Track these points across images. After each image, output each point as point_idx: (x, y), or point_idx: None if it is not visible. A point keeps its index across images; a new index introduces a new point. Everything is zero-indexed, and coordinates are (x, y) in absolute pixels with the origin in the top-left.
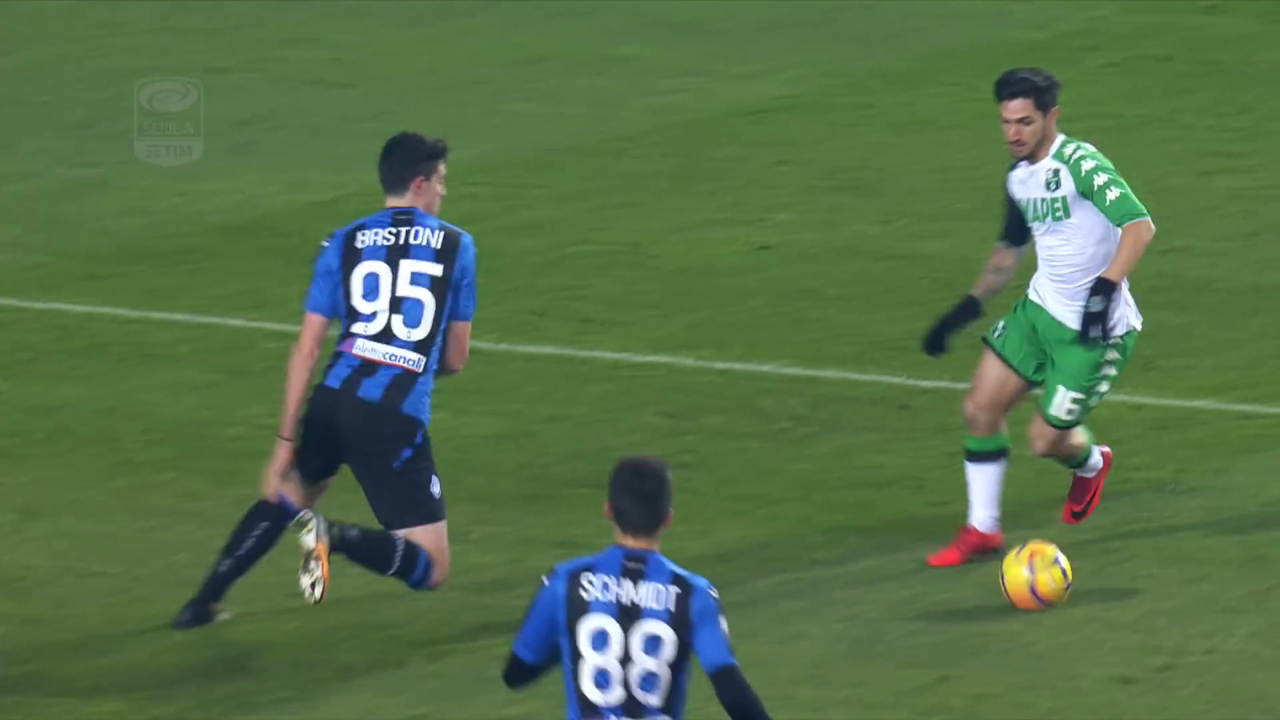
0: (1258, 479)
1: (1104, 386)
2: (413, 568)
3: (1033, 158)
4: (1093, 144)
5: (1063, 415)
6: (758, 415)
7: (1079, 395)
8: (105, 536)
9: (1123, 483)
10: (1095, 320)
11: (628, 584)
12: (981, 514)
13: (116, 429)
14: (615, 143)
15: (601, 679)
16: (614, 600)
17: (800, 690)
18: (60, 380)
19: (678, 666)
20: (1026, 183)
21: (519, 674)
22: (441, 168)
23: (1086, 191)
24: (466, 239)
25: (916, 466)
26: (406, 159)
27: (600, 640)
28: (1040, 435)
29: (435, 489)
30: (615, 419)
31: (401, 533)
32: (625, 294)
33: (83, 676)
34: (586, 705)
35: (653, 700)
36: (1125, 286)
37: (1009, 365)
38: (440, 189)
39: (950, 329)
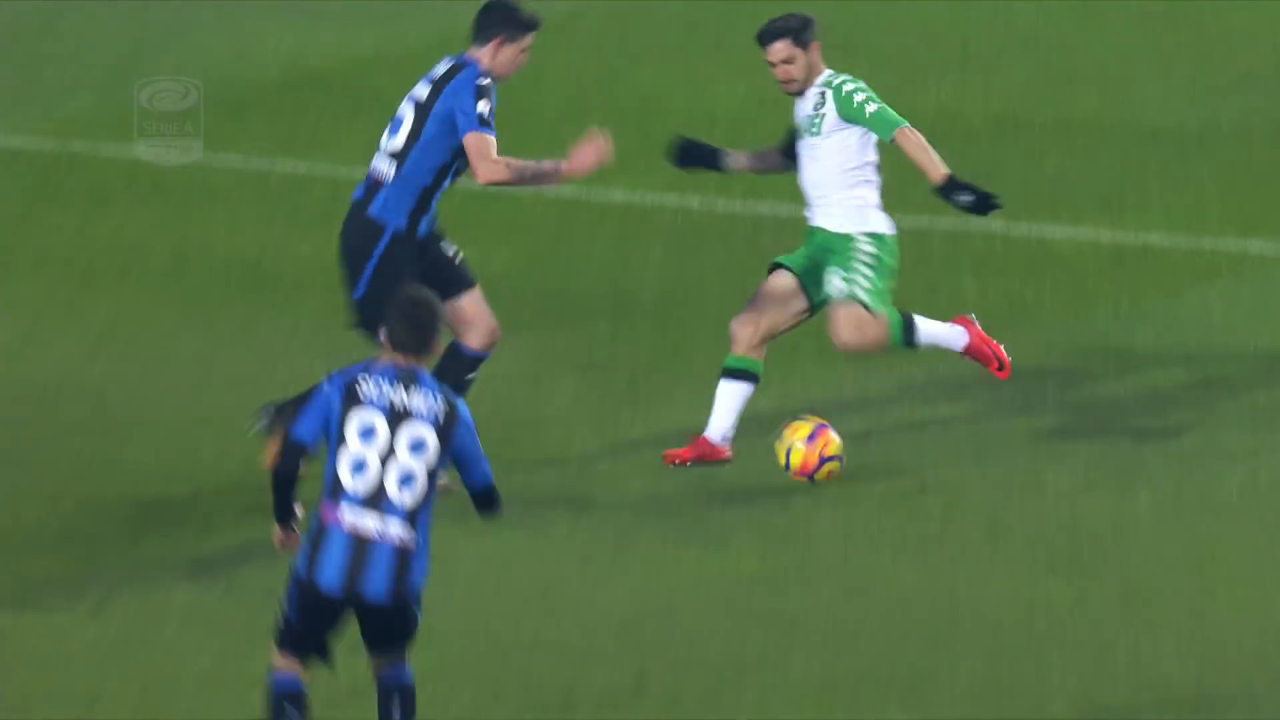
0: (1204, 306)
1: (866, 270)
2: None
3: (803, 92)
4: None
5: (834, 291)
6: (756, 251)
7: (842, 272)
8: (173, 357)
9: (1084, 310)
10: (978, 208)
11: (400, 389)
12: (719, 426)
13: (182, 263)
14: (624, 2)
15: (358, 467)
16: (387, 401)
17: (793, 497)
18: (131, 218)
19: (434, 472)
20: (798, 110)
21: (292, 453)
22: (527, 39)
23: (847, 113)
24: (470, 70)
25: (899, 298)
26: (497, 17)
27: (368, 434)
28: (834, 322)
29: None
30: (628, 255)
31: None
32: (637, 141)
33: (155, 477)
34: (336, 488)
35: (405, 499)
36: (878, 195)
37: (798, 280)
38: (519, 59)
39: (693, 159)
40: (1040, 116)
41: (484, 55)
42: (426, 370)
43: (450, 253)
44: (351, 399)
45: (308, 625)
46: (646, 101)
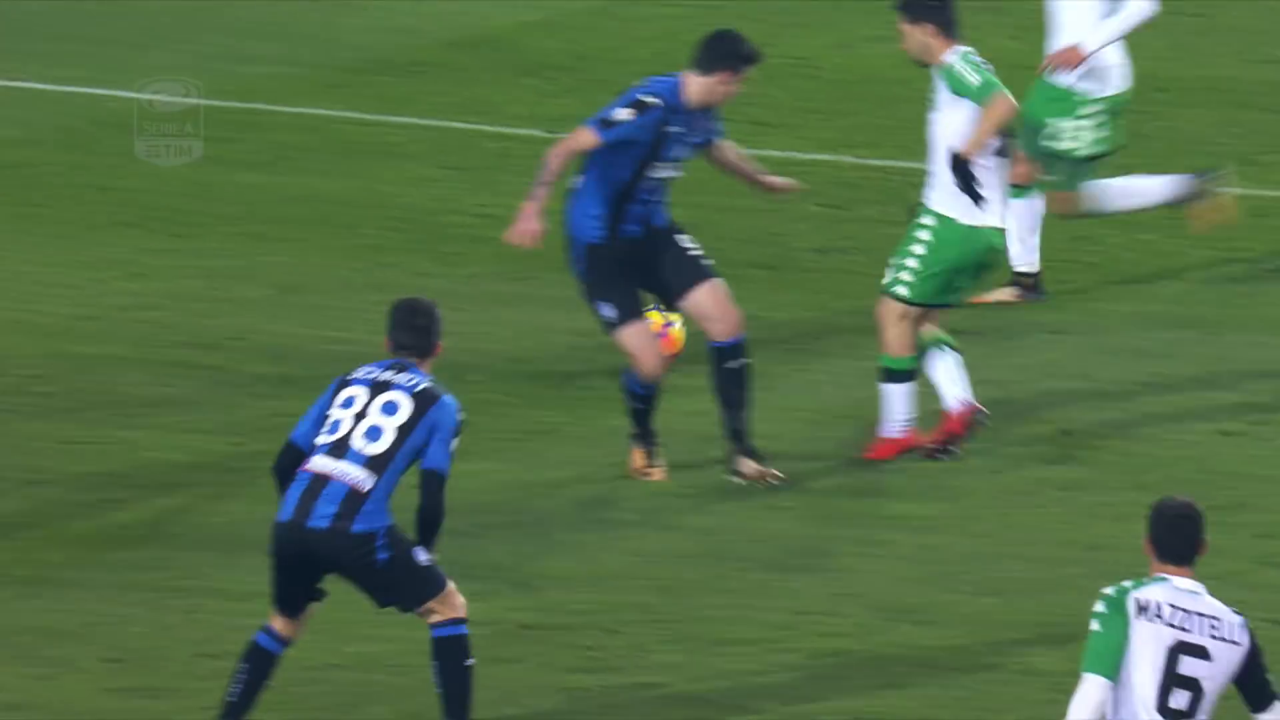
0: None
1: (911, 261)
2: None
3: (927, 66)
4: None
5: (884, 281)
6: (905, 205)
7: (892, 262)
8: (348, 309)
9: (1225, 264)
10: (962, 191)
11: (390, 372)
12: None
13: (357, 216)
14: None
15: (333, 427)
16: (372, 378)
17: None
18: (310, 174)
19: (405, 430)
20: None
21: (287, 452)
22: (748, 71)
23: (954, 86)
24: (644, 83)
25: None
26: (728, 50)
27: (348, 402)
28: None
29: (604, 311)
30: (784, 209)
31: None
32: (794, 100)
33: None
34: (313, 448)
35: (367, 449)
36: (987, 183)
37: None
38: (736, 89)
39: None
40: (1181, 76)
41: (700, 83)
42: (425, 370)
43: (686, 246)
44: (342, 384)
45: (275, 564)
46: (800, 62)
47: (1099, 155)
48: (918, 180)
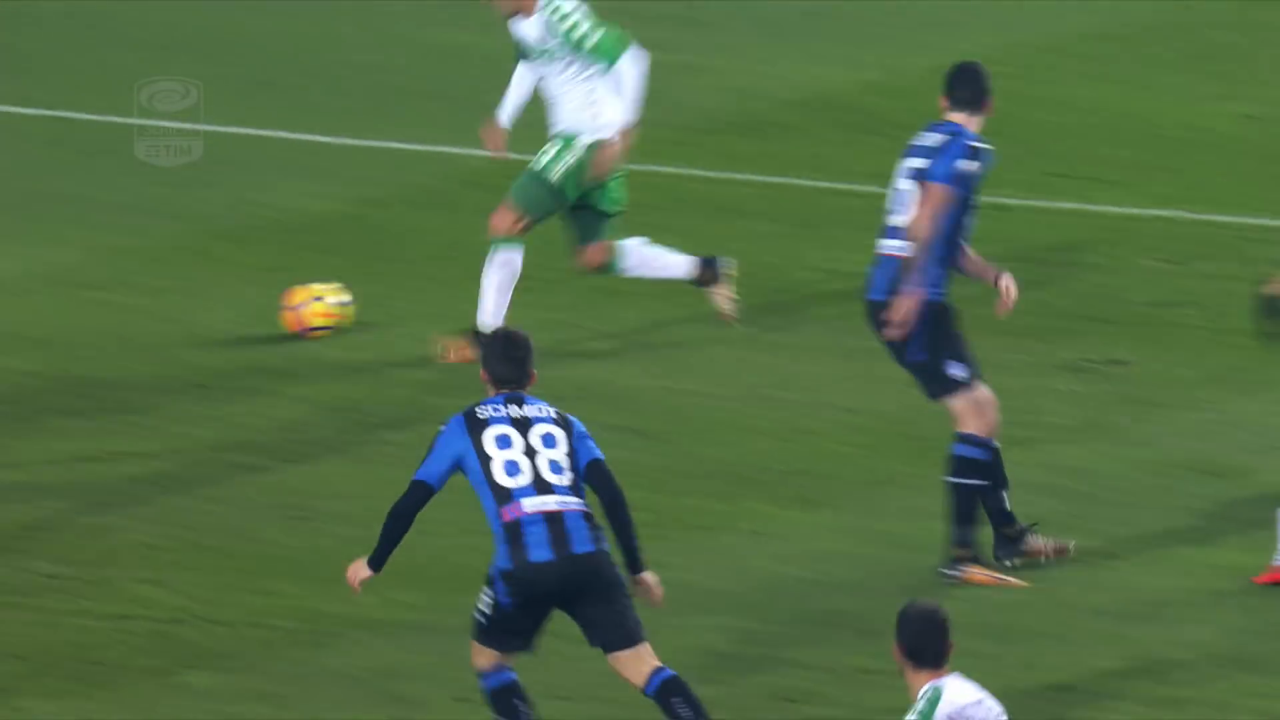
0: None
1: None
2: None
3: None
4: None
5: None
6: (1244, 260)
7: None
8: (693, 363)
9: None
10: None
11: (513, 406)
12: None
13: None
14: (1125, 29)
15: (511, 468)
16: (506, 415)
17: (1272, 495)
18: (656, 231)
19: (573, 454)
20: None
21: (415, 497)
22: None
23: None
24: (965, 137)
25: None
26: (985, 85)
27: (504, 442)
28: None
29: (953, 371)
30: (1121, 265)
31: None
32: (1131, 157)
33: (676, 475)
34: (501, 492)
35: (563, 481)
36: None
37: None
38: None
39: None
40: None
41: (976, 121)
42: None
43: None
44: (476, 426)
45: (521, 611)
46: (1140, 120)
47: (588, 207)
48: (1253, 236)
